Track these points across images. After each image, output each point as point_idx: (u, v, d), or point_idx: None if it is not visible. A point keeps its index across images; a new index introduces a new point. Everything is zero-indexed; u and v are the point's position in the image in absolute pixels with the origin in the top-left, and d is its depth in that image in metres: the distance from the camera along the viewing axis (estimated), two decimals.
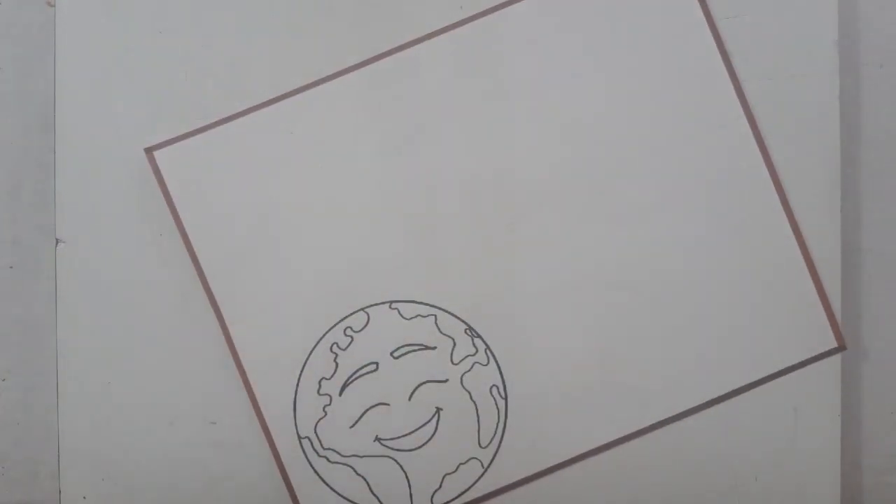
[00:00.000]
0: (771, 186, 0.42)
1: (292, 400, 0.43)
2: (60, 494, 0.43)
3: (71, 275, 0.44)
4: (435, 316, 0.42)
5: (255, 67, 0.44)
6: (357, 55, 0.44)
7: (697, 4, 0.42)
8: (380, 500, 0.42)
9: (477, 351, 0.42)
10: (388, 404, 0.43)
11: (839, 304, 0.42)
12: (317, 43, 0.44)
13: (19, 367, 0.44)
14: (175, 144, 0.43)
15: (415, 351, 0.42)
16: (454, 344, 0.42)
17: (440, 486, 0.42)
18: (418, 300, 0.43)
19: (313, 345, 0.43)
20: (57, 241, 0.44)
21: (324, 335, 0.43)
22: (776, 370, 0.42)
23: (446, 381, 0.42)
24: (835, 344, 0.42)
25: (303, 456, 0.43)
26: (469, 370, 0.42)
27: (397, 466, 0.42)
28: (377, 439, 0.43)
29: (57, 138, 0.44)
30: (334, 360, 0.43)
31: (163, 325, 0.44)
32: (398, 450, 0.42)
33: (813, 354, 0.42)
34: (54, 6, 0.45)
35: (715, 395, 0.42)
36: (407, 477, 0.42)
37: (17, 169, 0.45)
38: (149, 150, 0.43)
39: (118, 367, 0.44)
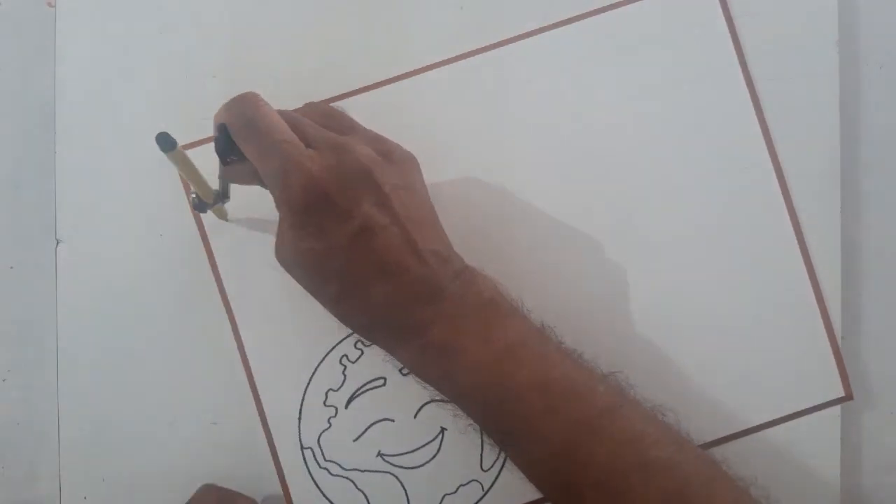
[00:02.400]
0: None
1: (298, 409, 0.43)
2: (61, 494, 0.43)
3: (71, 275, 0.44)
4: None
5: (255, 67, 0.44)
6: (363, 78, 0.44)
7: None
8: None
9: None
10: (393, 420, 0.42)
11: (839, 304, 0.42)
12: (318, 42, 0.44)
13: (19, 367, 0.44)
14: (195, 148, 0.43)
15: None
16: None
17: None
18: None
19: (323, 355, 0.43)
20: (57, 241, 0.44)
21: (334, 346, 0.43)
22: (781, 415, 0.42)
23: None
24: (842, 393, 0.42)
25: (304, 466, 0.43)
26: None
27: (398, 483, 0.42)
28: (380, 454, 0.42)
29: (57, 138, 0.44)
30: (343, 371, 0.43)
31: (163, 325, 0.44)
32: (400, 466, 0.42)
33: (817, 403, 0.42)
34: (54, 6, 0.45)
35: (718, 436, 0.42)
36: (406, 494, 0.42)
37: (17, 169, 0.45)
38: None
39: (118, 367, 0.44)
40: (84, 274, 0.44)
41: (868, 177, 0.43)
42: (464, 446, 0.42)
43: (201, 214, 0.43)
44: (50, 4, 0.45)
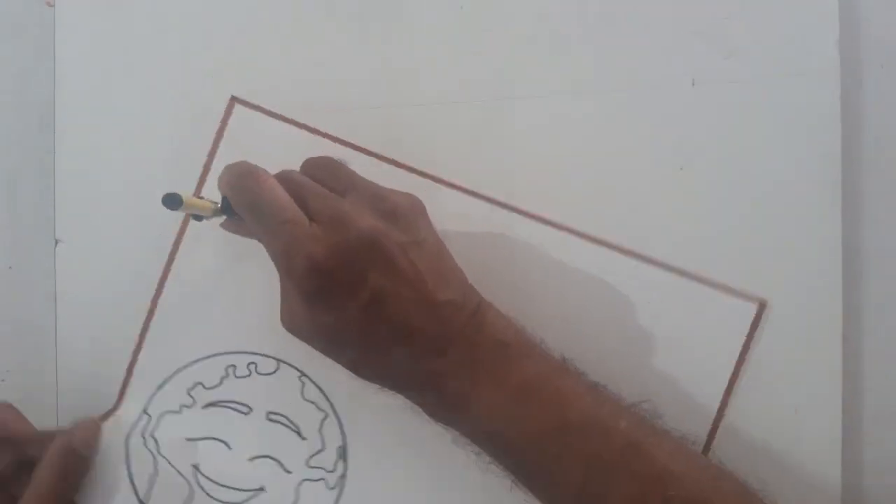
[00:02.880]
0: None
1: (164, 378, 0.43)
2: None
3: (70, 275, 0.44)
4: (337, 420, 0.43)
5: (254, 68, 0.44)
6: (363, 77, 0.44)
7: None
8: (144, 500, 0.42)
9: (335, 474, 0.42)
10: (230, 448, 0.42)
11: (840, 304, 0.42)
12: (321, 44, 0.44)
13: (19, 368, 0.44)
14: None
15: (286, 427, 0.42)
16: (321, 448, 0.42)
17: None
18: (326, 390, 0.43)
19: (220, 352, 0.43)
20: (56, 241, 0.44)
21: (233, 353, 0.43)
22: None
23: (290, 473, 0.42)
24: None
25: (132, 422, 0.43)
26: (312, 481, 0.42)
27: (186, 494, 0.42)
28: (195, 466, 0.42)
29: (57, 138, 0.44)
30: (222, 379, 0.43)
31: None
32: (201, 488, 0.42)
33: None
34: (54, 6, 0.45)
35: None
36: None
37: (16, 169, 0.45)
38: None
39: (118, 367, 0.44)
40: (83, 274, 0.44)
41: (869, 177, 0.43)
42: None
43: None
44: (50, 4, 0.45)
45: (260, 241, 0.36)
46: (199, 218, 0.40)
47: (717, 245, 0.43)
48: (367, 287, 0.35)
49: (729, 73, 0.42)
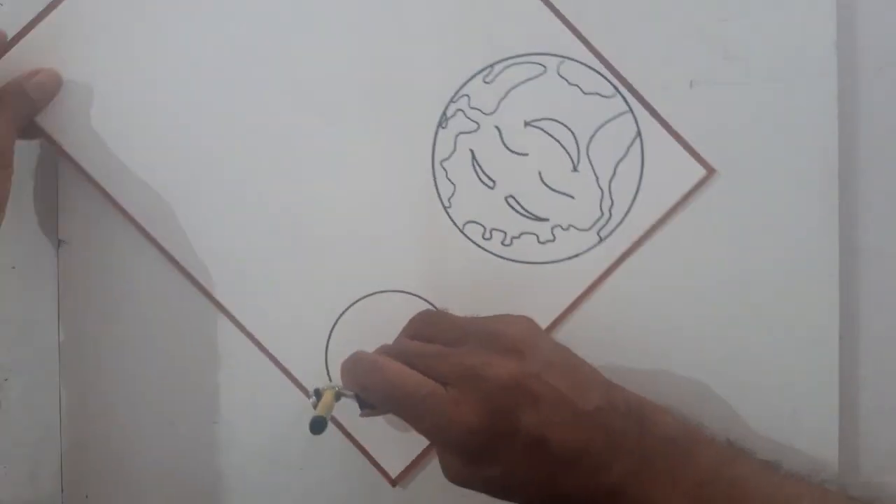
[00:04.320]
0: None
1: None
2: (62, 494, 0.44)
3: (73, 275, 0.44)
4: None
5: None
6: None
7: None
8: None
9: None
10: None
11: (837, 304, 0.42)
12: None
13: (21, 368, 0.44)
14: None
15: None
16: None
17: None
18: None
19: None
20: (59, 241, 0.44)
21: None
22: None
23: None
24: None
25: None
26: None
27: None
28: None
29: (60, 139, 0.44)
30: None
31: (164, 325, 0.44)
32: None
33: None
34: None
35: None
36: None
37: (18, 169, 0.45)
38: None
39: (120, 366, 0.44)
40: (86, 274, 0.44)
41: (866, 177, 0.43)
42: None
43: None
44: None
45: (409, 425, 0.37)
46: (319, 430, 0.37)
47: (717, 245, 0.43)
48: (522, 430, 0.34)
49: (727, 75, 0.42)
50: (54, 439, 0.44)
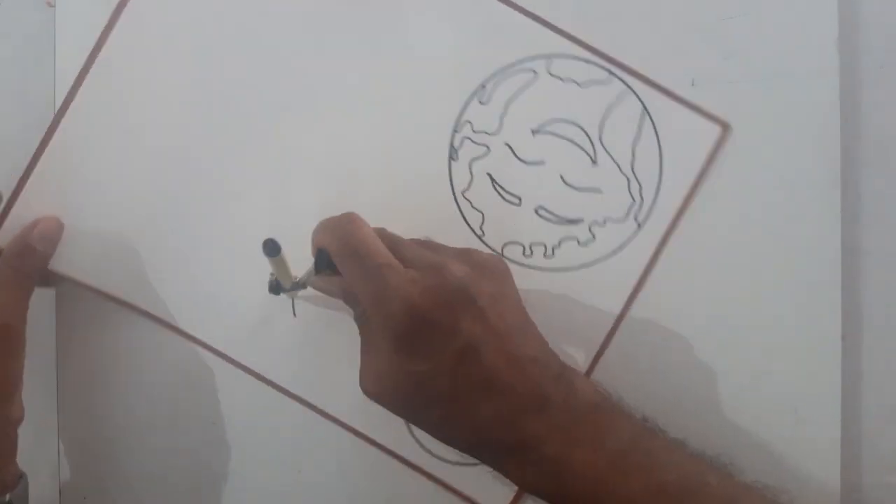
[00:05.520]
0: None
1: None
2: (61, 495, 0.43)
3: (72, 275, 0.44)
4: None
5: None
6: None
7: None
8: None
9: None
10: None
11: (839, 303, 0.42)
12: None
13: None
14: None
15: None
16: None
17: None
18: None
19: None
20: None
21: None
22: None
23: None
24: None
25: None
26: None
27: None
28: None
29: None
30: None
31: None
32: None
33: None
34: (54, 6, 0.45)
35: None
36: None
37: (17, 169, 0.45)
38: None
39: (118, 367, 0.44)
40: (85, 273, 0.44)
41: (868, 176, 0.43)
42: None
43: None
44: (50, 4, 0.45)
45: (353, 289, 0.36)
46: (276, 291, 0.41)
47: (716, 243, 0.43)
48: (461, 334, 0.34)
49: (729, 73, 0.42)
50: (52, 439, 0.44)
